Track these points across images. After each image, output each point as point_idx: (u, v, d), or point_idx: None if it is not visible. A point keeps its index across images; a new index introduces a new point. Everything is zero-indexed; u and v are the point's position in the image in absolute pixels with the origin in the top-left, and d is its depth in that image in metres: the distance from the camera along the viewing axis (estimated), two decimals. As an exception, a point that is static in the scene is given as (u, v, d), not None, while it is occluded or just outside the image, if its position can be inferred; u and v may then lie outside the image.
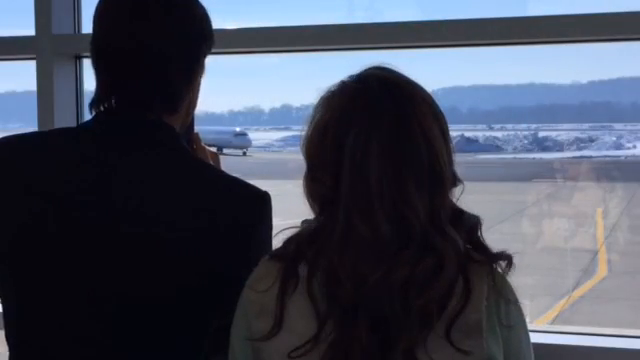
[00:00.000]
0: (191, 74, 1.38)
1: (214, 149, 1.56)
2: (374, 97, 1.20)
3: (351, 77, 1.25)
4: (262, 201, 1.32)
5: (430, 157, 1.18)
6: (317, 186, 1.22)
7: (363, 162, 1.16)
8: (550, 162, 18.96)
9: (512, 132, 23.20)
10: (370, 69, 1.26)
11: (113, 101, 1.34)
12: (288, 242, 1.21)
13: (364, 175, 1.16)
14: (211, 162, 1.49)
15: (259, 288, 1.20)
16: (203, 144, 1.51)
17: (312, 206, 1.24)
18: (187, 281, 1.26)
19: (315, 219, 1.22)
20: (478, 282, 1.15)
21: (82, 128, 1.38)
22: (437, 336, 1.12)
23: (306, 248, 1.18)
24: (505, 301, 1.17)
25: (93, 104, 1.35)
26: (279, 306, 1.17)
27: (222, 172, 1.40)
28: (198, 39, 1.37)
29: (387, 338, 1.12)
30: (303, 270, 1.17)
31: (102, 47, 1.33)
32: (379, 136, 1.17)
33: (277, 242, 1.24)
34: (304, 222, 1.23)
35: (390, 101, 1.20)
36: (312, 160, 1.23)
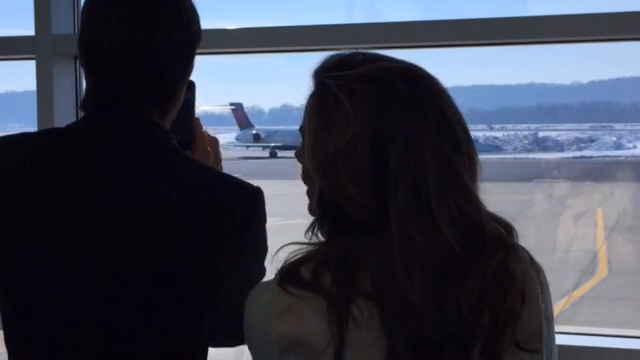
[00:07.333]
0: (184, 74, 1.38)
1: (213, 134, 1.55)
2: (398, 94, 1.09)
3: (337, 78, 1.12)
4: (255, 197, 1.32)
5: (468, 148, 1.12)
6: (350, 208, 1.08)
7: (418, 168, 1.06)
8: (550, 162, 18.96)
9: (512, 132, 23.18)
10: (358, 63, 1.14)
11: (106, 101, 1.33)
12: (317, 271, 1.07)
13: (421, 183, 1.06)
14: (209, 149, 1.49)
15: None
16: (203, 130, 1.51)
17: (321, 227, 1.13)
18: (180, 275, 1.26)
19: (332, 241, 1.11)
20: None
21: (72, 128, 1.37)
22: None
23: (345, 279, 1.05)
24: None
25: (85, 105, 1.35)
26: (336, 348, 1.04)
27: (215, 170, 1.41)
28: (191, 38, 1.37)
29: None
30: (361, 303, 1.04)
31: (95, 47, 1.32)
32: (428, 135, 1.08)
33: (282, 255, 1.13)
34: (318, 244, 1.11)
35: (415, 92, 1.10)
36: (335, 183, 1.09)
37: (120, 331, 1.27)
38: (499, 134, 22.86)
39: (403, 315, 1.03)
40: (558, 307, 8.15)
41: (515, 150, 21.75)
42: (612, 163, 18.23)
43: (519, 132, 23.20)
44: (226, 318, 1.28)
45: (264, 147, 22.37)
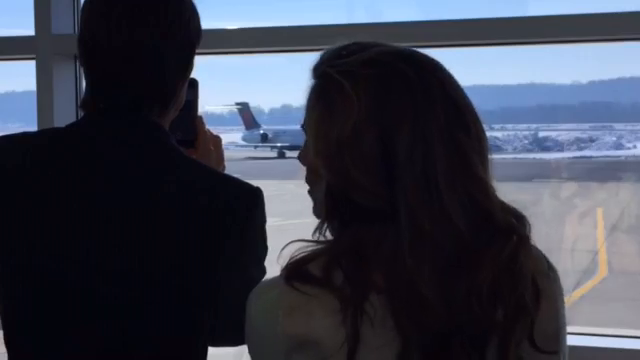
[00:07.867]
0: (184, 73, 1.38)
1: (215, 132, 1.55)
2: (405, 77, 1.06)
3: (338, 65, 1.08)
4: (255, 197, 1.31)
5: (477, 129, 1.09)
6: (358, 197, 1.04)
7: (426, 154, 1.03)
8: (550, 162, 18.97)
9: (512, 132, 23.18)
10: (358, 50, 1.09)
11: (106, 101, 1.33)
12: (328, 268, 1.03)
13: (429, 170, 1.02)
14: (212, 147, 1.49)
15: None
16: (206, 128, 1.51)
17: (330, 223, 1.08)
18: (181, 277, 1.26)
19: (343, 235, 1.06)
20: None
21: (72, 128, 1.37)
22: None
23: (358, 275, 1.02)
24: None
25: (84, 104, 1.35)
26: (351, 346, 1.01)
27: (215, 170, 1.40)
28: (191, 37, 1.37)
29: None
30: (374, 299, 1.01)
31: (94, 47, 1.32)
32: (437, 120, 1.04)
33: (288, 252, 1.08)
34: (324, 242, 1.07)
35: (420, 74, 1.07)
36: (341, 171, 1.05)
37: (120, 331, 1.27)
38: (499, 134, 22.86)
39: (413, 308, 1.00)
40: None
41: (515, 150, 21.74)
42: (612, 163, 18.24)
43: (519, 132, 23.20)
44: (226, 318, 1.28)
45: (272, 147, 22.19)
